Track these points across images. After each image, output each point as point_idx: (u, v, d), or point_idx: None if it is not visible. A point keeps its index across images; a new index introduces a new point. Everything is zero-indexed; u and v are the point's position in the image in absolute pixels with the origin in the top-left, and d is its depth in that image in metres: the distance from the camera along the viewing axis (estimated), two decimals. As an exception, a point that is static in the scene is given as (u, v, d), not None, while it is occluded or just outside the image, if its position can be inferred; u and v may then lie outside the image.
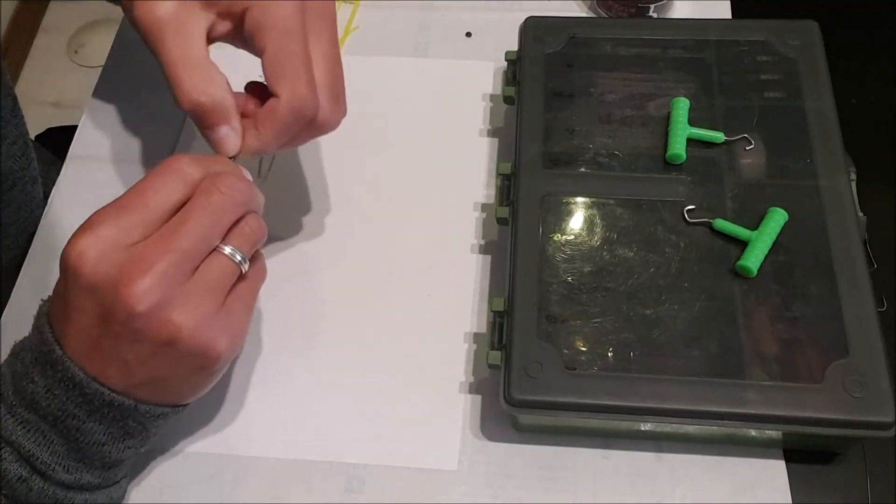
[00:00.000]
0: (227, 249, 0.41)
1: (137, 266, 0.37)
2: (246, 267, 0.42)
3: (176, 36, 0.43)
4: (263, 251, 0.54)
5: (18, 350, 0.42)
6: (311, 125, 0.46)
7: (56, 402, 0.39)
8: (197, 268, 0.39)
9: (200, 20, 0.44)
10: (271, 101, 0.44)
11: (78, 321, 0.39)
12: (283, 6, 0.44)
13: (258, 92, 0.46)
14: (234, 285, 0.42)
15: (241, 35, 0.45)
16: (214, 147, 0.44)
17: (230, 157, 0.44)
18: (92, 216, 0.39)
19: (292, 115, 0.44)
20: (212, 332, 0.40)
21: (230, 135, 0.44)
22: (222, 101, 0.43)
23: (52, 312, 0.40)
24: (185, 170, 0.40)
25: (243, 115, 0.45)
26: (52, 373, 0.39)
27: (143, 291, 0.37)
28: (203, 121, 0.44)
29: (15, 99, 0.57)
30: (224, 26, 0.45)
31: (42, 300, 0.42)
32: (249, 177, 0.44)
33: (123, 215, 0.38)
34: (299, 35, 0.44)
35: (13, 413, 0.40)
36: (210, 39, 0.45)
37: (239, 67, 0.47)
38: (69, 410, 0.40)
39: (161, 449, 0.49)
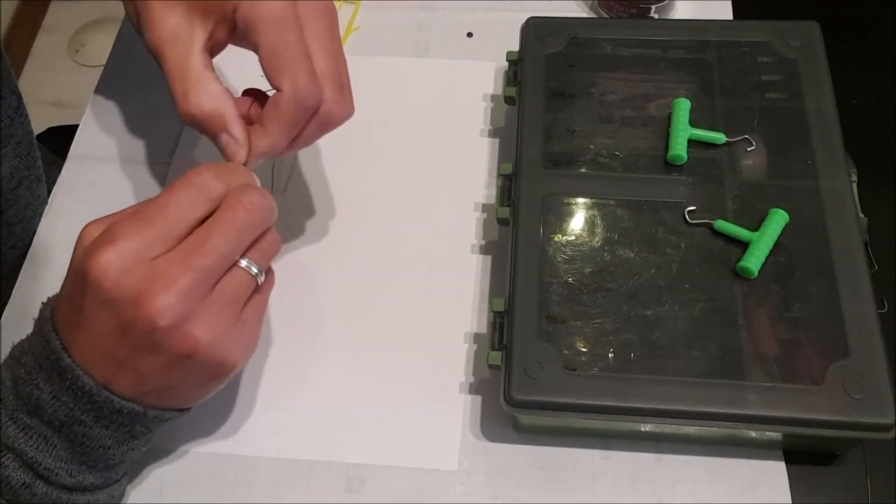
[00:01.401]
0: (244, 263, 0.41)
1: (160, 282, 0.37)
2: (262, 279, 0.42)
3: (174, 52, 0.43)
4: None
5: (19, 354, 0.41)
6: (318, 120, 0.46)
7: (63, 409, 0.39)
8: (217, 282, 0.40)
9: (198, 33, 0.44)
10: (274, 96, 0.44)
11: (92, 331, 0.38)
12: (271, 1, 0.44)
13: (260, 97, 0.46)
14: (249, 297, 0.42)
15: (238, 35, 0.45)
16: (223, 155, 0.45)
17: (244, 164, 0.44)
18: (113, 227, 0.39)
19: (296, 106, 0.44)
20: (229, 346, 0.40)
21: (230, 143, 0.44)
22: (216, 110, 0.43)
23: (59, 318, 0.40)
24: (208, 185, 0.40)
25: (250, 121, 0.45)
26: (60, 380, 0.39)
27: (166, 307, 0.37)
28: (204, 131, 0.44)
29: (20, 97, 0.57)
30: (222, 31, 0.45)
31: (43, 303, 0.42)
32: (258, 182, 0.44)
33: (145, 229, 0.38)
34: (292, 27, 0.44)
35: (14, 419, 0.40)
36: (215, 46, 0.45)
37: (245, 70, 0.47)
38: (76, 417, 0.40)
39: (161, 449, 0.49)
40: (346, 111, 0.47)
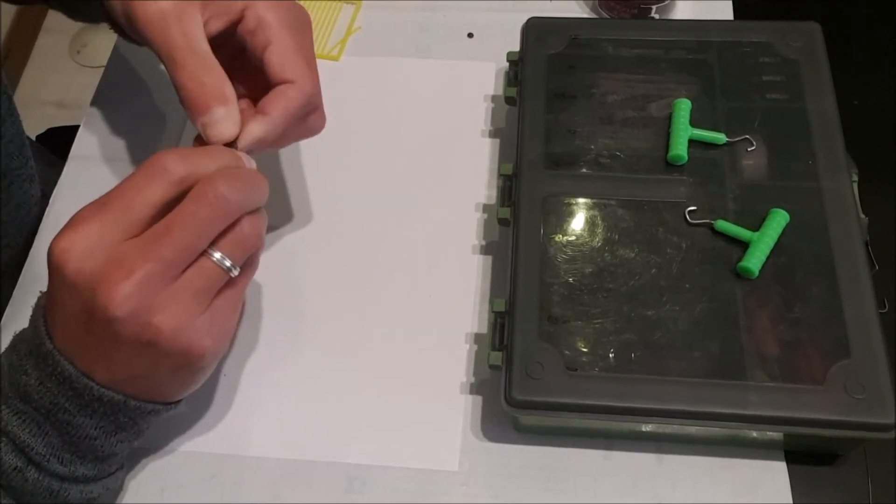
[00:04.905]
0: (216, 255, 0.40)
1: (117, 270, 0.37)
2: (236, 272, 0.41)
3: (178, 24, 0.43)
4: (264, 251, 0.54)
5: (16, 342, 0.42)
6: (305, 126, 0.47)
7: (48, 395, 0.40)
8: (184, 271, 0.39)
9: (197, 15, 0.44)
10: (282, 87, 0.44)
11: (63, 316, 0.39)
12: (284, 4, 0.46)
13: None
14: (222, 287, 0.41)
15: (232, 34, 0.46)
16: (209, 135, 0.43)
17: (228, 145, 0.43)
18: (77, 213, 0.39)
19: (303, 99, 0.45)
20: (195, 335, 0.40)
21: (226, 118, 0.43)
22: (220, 83, 0.43)
23: (46, 306, 0.41)
24: (169, 168, 0.39)
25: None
26: (44, 366, 0.40)
27: (122, 297, 0.37)
28: (199, 103, 0.43)
29: (10, 97, 0.58)
30: (216, 25, 0.45)
31: (41, 291, 0.42)
32: (252, 163, 0.43)
33: (107, 213, 0.38)
34: (303, 30, 0.46)
35: (9, 404, 0.40)
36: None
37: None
38: (60, 404, 0.40)
39: (161, 449, 0.49)
40: (324, 124, 0.49)
